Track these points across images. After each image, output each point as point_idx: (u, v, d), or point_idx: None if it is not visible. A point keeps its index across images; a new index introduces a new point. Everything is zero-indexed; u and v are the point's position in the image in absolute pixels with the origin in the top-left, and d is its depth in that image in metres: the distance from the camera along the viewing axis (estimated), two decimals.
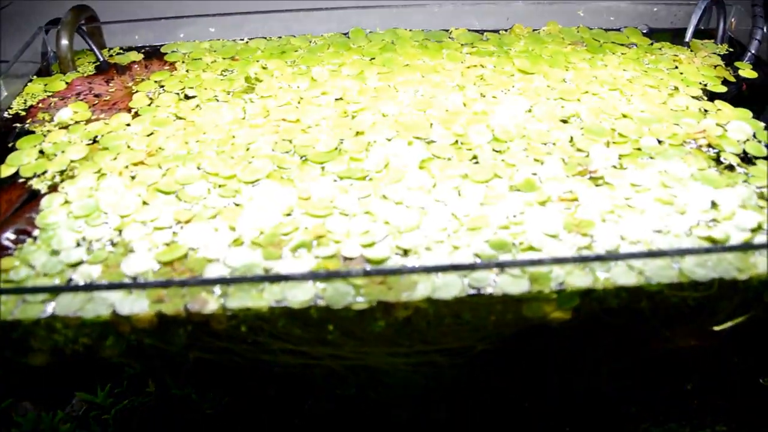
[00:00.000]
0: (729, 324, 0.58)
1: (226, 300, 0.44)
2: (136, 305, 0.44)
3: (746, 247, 0.49)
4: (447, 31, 0.82)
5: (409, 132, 0.61)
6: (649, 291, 0.48)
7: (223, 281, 0.45)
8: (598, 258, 0.47)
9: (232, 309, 0.44)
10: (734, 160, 0.60)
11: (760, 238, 0.50)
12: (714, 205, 0.54)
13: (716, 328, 0.59)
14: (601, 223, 0.51)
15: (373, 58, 0.75)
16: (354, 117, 0.64)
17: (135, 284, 0.45)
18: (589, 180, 0.56)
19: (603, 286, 0.46)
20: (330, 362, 0.52)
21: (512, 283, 0.46)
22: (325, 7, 0.80)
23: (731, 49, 0.81)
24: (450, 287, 0.45)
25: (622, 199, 0.54)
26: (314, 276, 0.45)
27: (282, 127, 0.62)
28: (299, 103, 0.66)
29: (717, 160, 0.60)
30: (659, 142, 0.61)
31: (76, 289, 0.45)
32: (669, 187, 0.55)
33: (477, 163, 0.58)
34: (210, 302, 0.44)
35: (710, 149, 0.61)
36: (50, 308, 0.44)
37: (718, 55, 0.79)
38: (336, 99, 0.67)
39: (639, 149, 0.60)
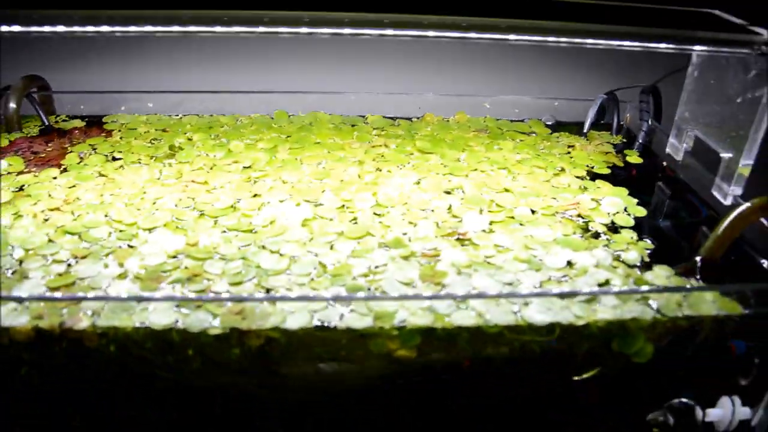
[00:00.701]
0: (586, 375, 0.63)
1: (98, 320, 0.50)
2: (17, 320, 0.49)
3: (575, 293, 0.55)
4: (363, 117, 0.91)
5: (301, 196, 0.69)
6: (490, 332, 0.54)
7: (93, 299, 0.50)
8: (435, 297, 0.53)
9: (102, 327, 0.50)
10: (601, 229, 0.67)
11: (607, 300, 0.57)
12: (570, 264, 0.60)
13: (576, 378, 0.64)
14: (456, 275, 0.58)
15: (289, 136, 0.83)
16: (255, 182, 0.71)
17: (12, 297, 0.51)
18: (455, 240, 0.63)
19: (442, 325, 0.52)
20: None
21: (357, 320, 0.52)
22: (255, 90, 0.89)
23: (625, 140, 0.91)
24: (298, 320, 0.51)
25: (483, 257, 0.60)
26: (171, 298, 0.50)
27: (189, 187, 0.70)
28: (211, 168, 0.74)
29: (585, 229, 0.67)
30: (533, 212, 0.69)
31: None
32: (531, 248, 0.62)
33: (355, 223, 0.65)
34: (83, 321, 0.50)
35: (580, 219, 0.68)
36: None
37: (612, 144, 0.88)
38: (244, 167, 0.75)
39: (512, 217, 0.68)
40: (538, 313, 0.53)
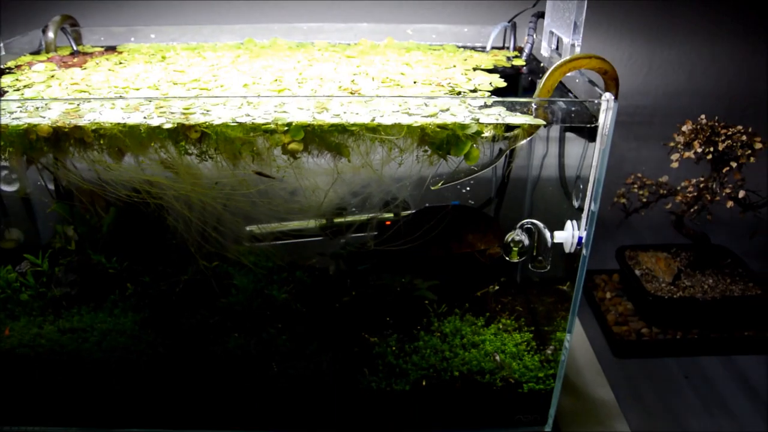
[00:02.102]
0: (441, 184, 0.86)
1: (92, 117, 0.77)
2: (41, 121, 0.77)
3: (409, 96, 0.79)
4: (313, 43, 1.18)
5: (249, 75, 0.95)
6: (351, 129, 0.78)
7: (87, 99, 0.77)
8: (312, 96, 0.79)
9: (94, 124, 0.77)
10: (464, 90, 0.90)
11: (443, 115, 0.79)
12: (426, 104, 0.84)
13: (434, 188, 0.88)
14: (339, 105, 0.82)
15: (252, 52, 1.11)
16: (218, 69, 0.99)
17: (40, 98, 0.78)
18: (349, 93, 0.88)
19: (316, 122, 0.77)
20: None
21: (261, 119, 0.77)
22: (232, 23, 1.18)
23: (519, 54, 1.15)
24: (223, 118, 0.77)
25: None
26: (141, 98, 0.77)
27: (170, 72, 0.97)
28: (188, 66, 1.02)
29: (451, 90, 0.90)
30: (414, 82, 0.93)
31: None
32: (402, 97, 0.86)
33: (279, 84, 0.91)
34: (82, 120, 0.77)
35: (450, 86, 0.92)
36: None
37: (507, 57, 1.12)
38: (211, 65, 1.02)
39: (398, 85, 0.92)
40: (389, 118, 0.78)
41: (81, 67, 1.02)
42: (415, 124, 0.76)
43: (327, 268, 1.09)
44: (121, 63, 1.03)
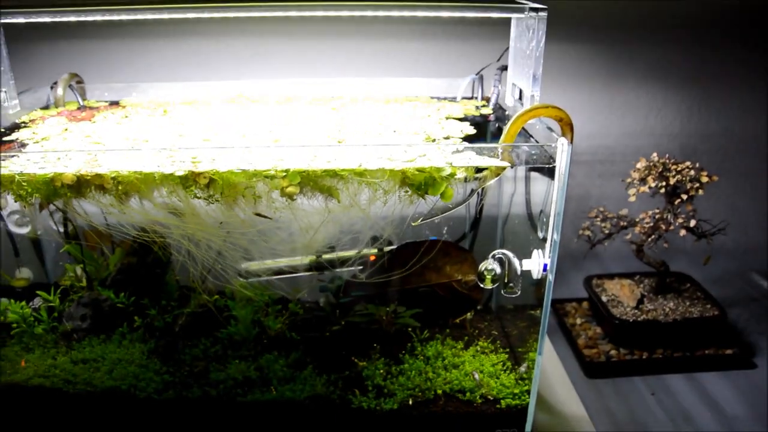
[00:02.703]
0: (420, 220, 0.97)
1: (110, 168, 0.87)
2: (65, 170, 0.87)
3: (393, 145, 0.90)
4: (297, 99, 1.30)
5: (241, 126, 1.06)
6: (341, 174, 0.89)
7: (103, 150, 0.88)
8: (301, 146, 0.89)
9: (112, 172, 0.87)
10: (439, 137, 1.02)
11: (420, 160, 0.90)
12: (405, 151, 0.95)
13: (414, 224, 0.99)
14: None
15: (244, 105, 1.22)
16: (212, 119, 1.09)
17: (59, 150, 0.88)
18: (337, 142, 0.99)
19: (310, 168, 0.88)
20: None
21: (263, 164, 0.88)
22: (223, 80, 1.30)
23: (486, 104, 1.27)
24: (225, 164, 0.88)
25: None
26: (154, 149, 0.87)
27: (173, 123, 1.08)
28: (189, 119, 1.12)
29: (428, 138, 1.01)
30: (394, 131, 1.05)
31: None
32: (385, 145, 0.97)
33: (273, 134, 1.02)
34: (101, 168, 0.87)
35: (425, 134, 1.03)
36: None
37: (475, 106, 1.25)
38: (208, 117, 1.13)
39: (380, 134, 1.04)
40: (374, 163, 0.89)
41: (90, 120, 1.12)
42: (397, 169, 0.87)
43: (317, 301, 1.19)
44: (126, 117, 1.13)
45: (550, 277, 0.97)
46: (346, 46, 1.52)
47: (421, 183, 0.90)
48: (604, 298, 1.48)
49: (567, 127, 0.96)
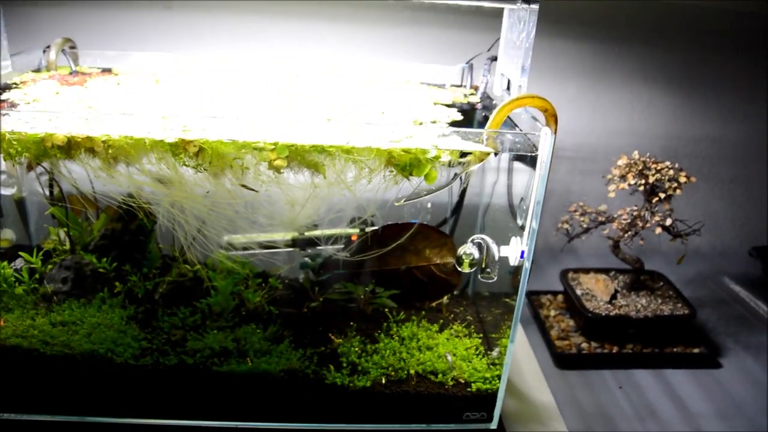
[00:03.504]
0: (403, 200, 0.99)
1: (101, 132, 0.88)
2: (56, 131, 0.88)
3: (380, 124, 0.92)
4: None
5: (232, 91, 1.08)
6: (329, 150, 0.90)
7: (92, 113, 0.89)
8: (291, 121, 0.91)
9: (102, 135, 0.88)
10: (426, 121, 1.03)
11: (407, 141, 0.92)
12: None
13: (397, 203, 1.01)
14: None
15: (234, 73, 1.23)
16: (209, 91, 1.10)
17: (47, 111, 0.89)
18: (326, 120, 1.01)
19: (300, 144, 0.90)
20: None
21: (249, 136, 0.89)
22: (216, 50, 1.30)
23: (474, 92, 1.29)
24: (215, 134, 0.89)
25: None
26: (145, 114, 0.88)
27: (165, 91, 1.09)
28: (181, 87, 1.13)
29: (416, 122, 1.03)
30: (382, 113, 1.06)
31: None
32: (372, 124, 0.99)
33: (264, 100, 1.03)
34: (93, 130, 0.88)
35: (413, 117, 1.05)
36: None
37: (464, 94, 1.27)
38: (201, 85, 1.14)
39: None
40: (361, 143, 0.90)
41: (82, 85, 1.12)
42: (383, 148, 0.89)
43: (298, 277, 1.21)
44: (118, 84, 1.14)
45: (527, 265, 0.99)
46: (340, 28, 1.53)
47: (407, 164, 0.91)
48: (578, 292, 1.51)
49: (551, 118, 0.98)
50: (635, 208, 1.41)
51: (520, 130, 1.00)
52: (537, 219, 0.96)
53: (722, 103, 1.83)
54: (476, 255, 1.05)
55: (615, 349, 1.44)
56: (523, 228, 0.99)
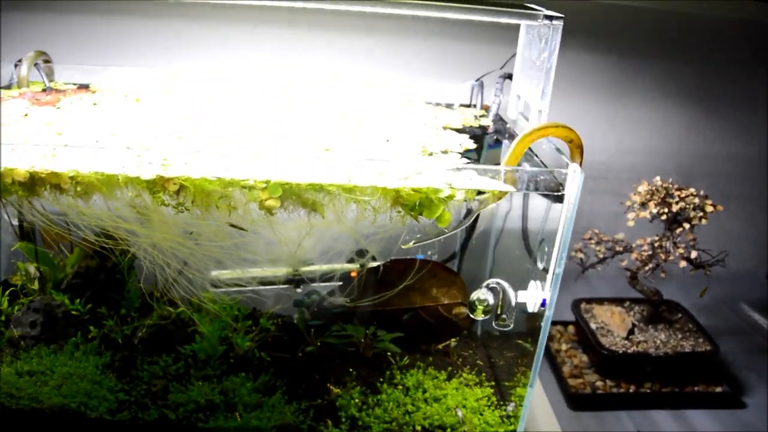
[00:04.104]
0: (413, 243, 0.88)
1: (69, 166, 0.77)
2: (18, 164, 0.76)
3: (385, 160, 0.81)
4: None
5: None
6: (328, 189, 0.80)
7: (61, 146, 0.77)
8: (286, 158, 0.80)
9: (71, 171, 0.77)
10: (436, 151, 0.92)
11: (416, 178, 0.81)
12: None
13: (404, 246, 0.90)
14: None
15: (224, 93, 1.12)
16: (192, 114, 0.99)
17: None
18: (324, 150, 0.90)
19: (294, 181, 0.79)
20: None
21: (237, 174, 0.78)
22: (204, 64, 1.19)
23: (486, 113, 1.18)
24: (200, 171, 0.78)
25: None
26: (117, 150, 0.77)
27: (145, 113, 0.98)
28: (163, 108, 1.02)
29: (424, 151, 0.92)
30: (387, 140, 0.95)
31: None
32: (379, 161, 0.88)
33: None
34: (59, 166, 0.77)
35: (421, 146, 0.94)
36: None
37: (475, 116, 1.16)
38: (184, 106, 1.03)
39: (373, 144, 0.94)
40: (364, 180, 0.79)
41: (54, 105, 1.01)
42: (390, 187, 0.78)
43: (291, 317, 1.10)
44: (95, 104, 1.03)
45: (549, 312, 0.89)
46: (341, 40, 1.42)
47: (416, 204, 0.80)
48: (593, 325, 1.40)
49: (577, 150, 0.88)
50: (656, 238, 1.31)
51: (542, 163, 0.89)
52: (561, 264, 0.85)
53: (740, 119, 1.73)
54: (491, 301, 0.94)
55: (632, 389, 1.34)
56: (545, 271, 0.88)
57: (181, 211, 0.80)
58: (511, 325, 0.95)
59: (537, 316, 0.91)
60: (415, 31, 1.46)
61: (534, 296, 0.91)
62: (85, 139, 0.85)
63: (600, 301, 1.51)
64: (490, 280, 0.94)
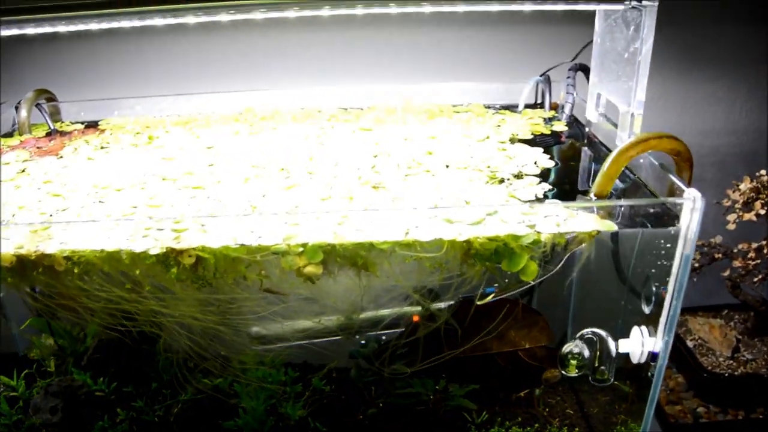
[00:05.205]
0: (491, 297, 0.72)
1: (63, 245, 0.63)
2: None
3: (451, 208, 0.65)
4: (319, 110, 1.04)
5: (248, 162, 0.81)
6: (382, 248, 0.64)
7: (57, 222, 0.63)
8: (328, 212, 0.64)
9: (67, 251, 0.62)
10: (507, 176, 0.76)
11: (490, 220, 0.65)
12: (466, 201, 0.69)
13: (479, 303, 0.73)
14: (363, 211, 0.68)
15: (252, 125, 0.96)
16: (210, 149, 0.84)
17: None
18: (371, 188, 0.74)
19: (337, 242, 0.63)
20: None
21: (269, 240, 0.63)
22: (224, 91, 1.03)
23: (556, 114, 1.00)
24: (218, 239, 0.62)
25: (390, 198, 0.70)
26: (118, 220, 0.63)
27: (159, 158, 0.83)
28: (179, 150, 0.87)
29: (492, 177, 0.76)
30: (447, 166, 0.79)
31: None
32: (437, 189, 0.71)
33: (288, 178, 0.76)
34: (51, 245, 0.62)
35: (488, 168, 0.78)
36: None
37: (543, 119, 0.98)
38: (205, 147, 0.88)
39: (428, 171, 0.78)
40: (426, 232, 0.63)
41: (57, 154, 0.88)
42: (459, 237, 0.61)
43: (348, 371, 0.95)
44: (102, 147, 0.89)
45: (663, 362, 0.72)
46: (374, 41, 1.22)
47: (492, 253, 0.63)
48: (689, 343, 1.21)
49: (686, 164, 0.70)
50: (764, 243, 1.11)
51: (645, 185, 0.71)
52: (677, 309, 0.68)
53: None
54: (586, 354, 0.77)
55: (741, 415, 1.14)
56: (652, 315, 0.71)
57: (201, 287, 0.64)
58: (611, 380, 0.78)
59: (645, 369, 0.74)
60: (453, 26, 1.25)
61: (639, 344, 0.73)
62: (85, 198, 0.71)
63: (693, 311, 1.32)
64: (584, 331, 0.76)
